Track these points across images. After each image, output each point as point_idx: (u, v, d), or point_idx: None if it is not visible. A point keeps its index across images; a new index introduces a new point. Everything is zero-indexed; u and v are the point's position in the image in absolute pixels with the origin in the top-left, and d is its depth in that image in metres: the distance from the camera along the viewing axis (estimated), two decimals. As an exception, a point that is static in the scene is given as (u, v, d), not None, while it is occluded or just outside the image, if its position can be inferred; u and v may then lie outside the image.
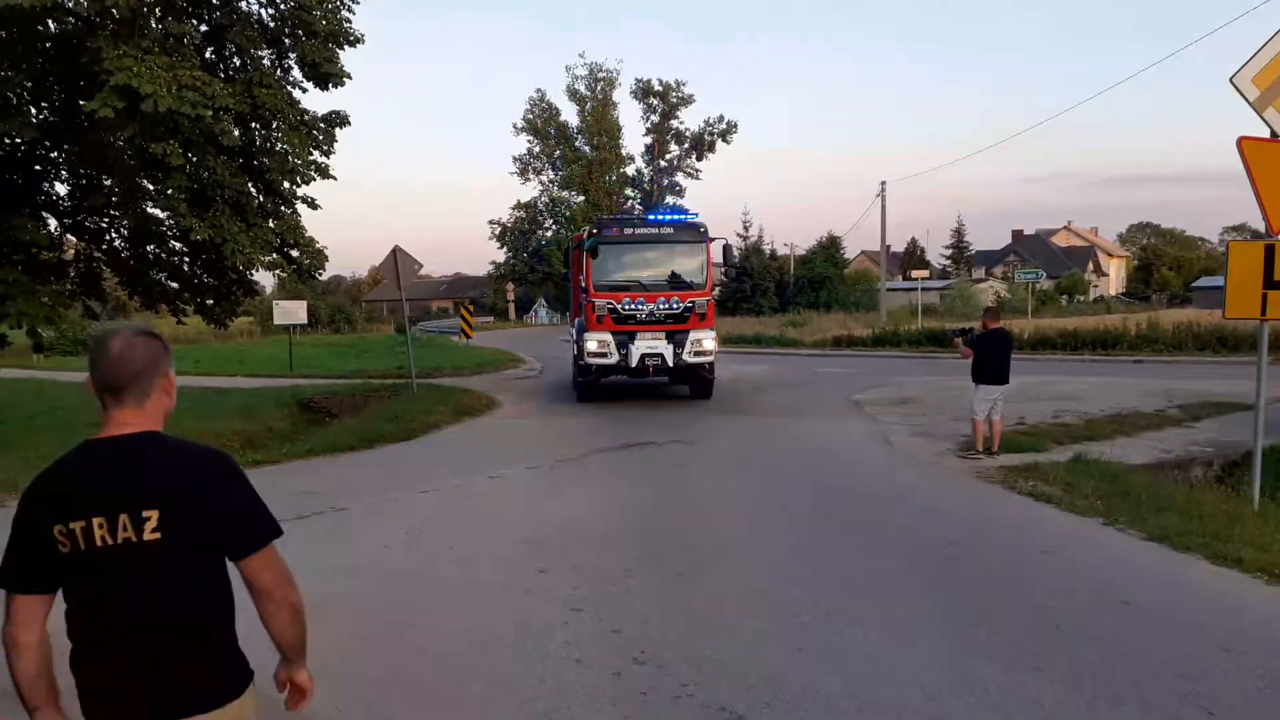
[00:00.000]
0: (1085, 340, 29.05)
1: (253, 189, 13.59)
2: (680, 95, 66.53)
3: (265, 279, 16.90)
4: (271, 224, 13.55)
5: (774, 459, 11.49)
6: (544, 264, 65.79)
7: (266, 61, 13.53)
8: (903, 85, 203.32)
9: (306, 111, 14.14)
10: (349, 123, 14.67)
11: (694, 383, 17.33)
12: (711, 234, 16.69)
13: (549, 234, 67.77)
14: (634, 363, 15.92)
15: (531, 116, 68.54)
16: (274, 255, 13.74)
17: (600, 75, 67.74)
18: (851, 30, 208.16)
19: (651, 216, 18.16)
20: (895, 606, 5.63)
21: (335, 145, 14.49)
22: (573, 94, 68.14)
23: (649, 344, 15.97)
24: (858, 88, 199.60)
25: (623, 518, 8.20)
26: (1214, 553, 6.53)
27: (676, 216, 17.43)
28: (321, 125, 14.36)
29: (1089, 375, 21.81)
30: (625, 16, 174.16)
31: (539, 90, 79.30)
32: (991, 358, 11.15)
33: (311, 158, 14.18)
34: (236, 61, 13.55)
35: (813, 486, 9.58)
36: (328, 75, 13.19)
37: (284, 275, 14.57)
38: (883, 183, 43.03)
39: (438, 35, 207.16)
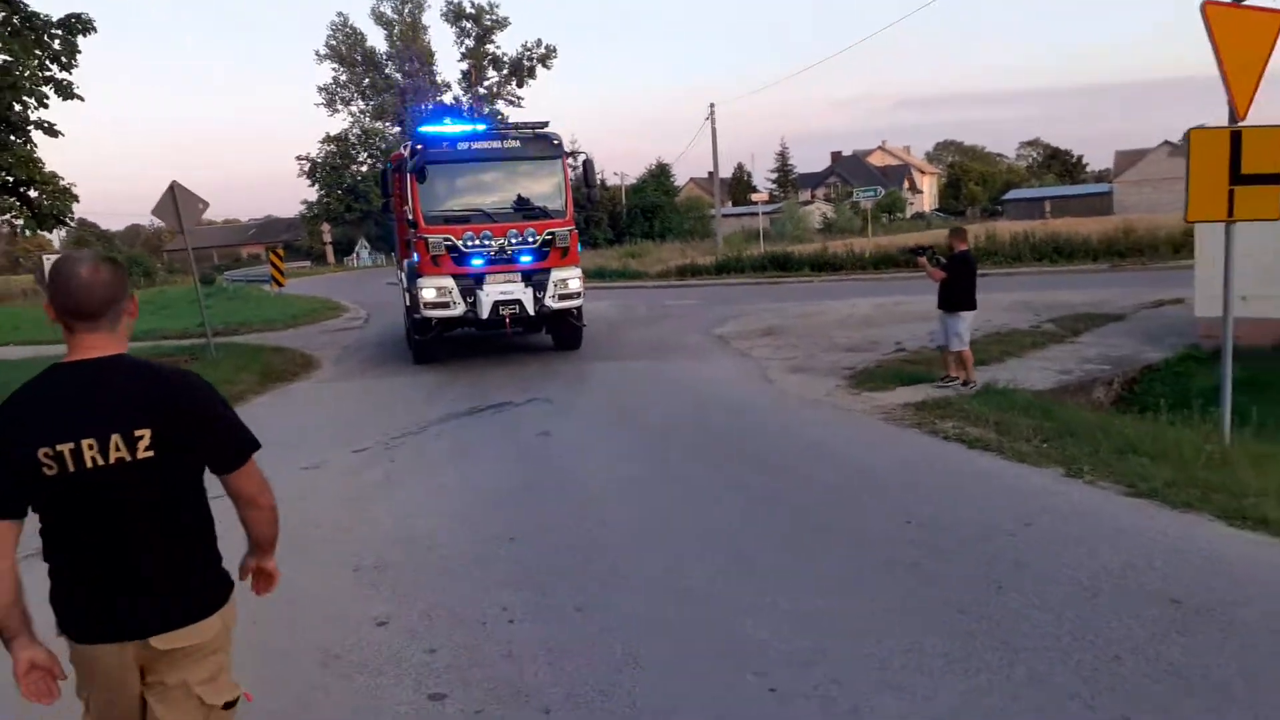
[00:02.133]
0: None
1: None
2: (495, 18, 63.14)
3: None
4: None
5: (654, 413, 9.82)
6: (361, 201, 61.82)
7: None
8: (720, 9, 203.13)
9: (33, 13, 11.02)
10: (93, 28, 11.57)
11: (560, 332, 14.69)
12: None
13: (364, 168, 63.44)
14: (485, 313, 13.09)
15: (335, 42, 63.60)
16: (2, 197, 10.69)
17: (407, -3, 63.26)
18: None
19: (491, 127, 14.59)
20: (904, 642, 4.09)
21: (77, 57, 11.45)
22: (378, 17, 63.71)
23: (502, 288, 13.24)
24: (675, 15, 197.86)
25: (484, 519, 6.29)
26: (1223, 510, 5.34)
27: (523, 126, 13.96)
28: (56, 32, 11.26)
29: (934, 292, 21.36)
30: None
31: (340, 14, 73.50)
32: (964, 281, 10.07)
33: (47, 72, 11.12)
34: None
35: (709, 449, 7.96)
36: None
37: (19, 222, 11.42)
38: (711, 105, 41.68)
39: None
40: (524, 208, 13.57)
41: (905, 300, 19.22)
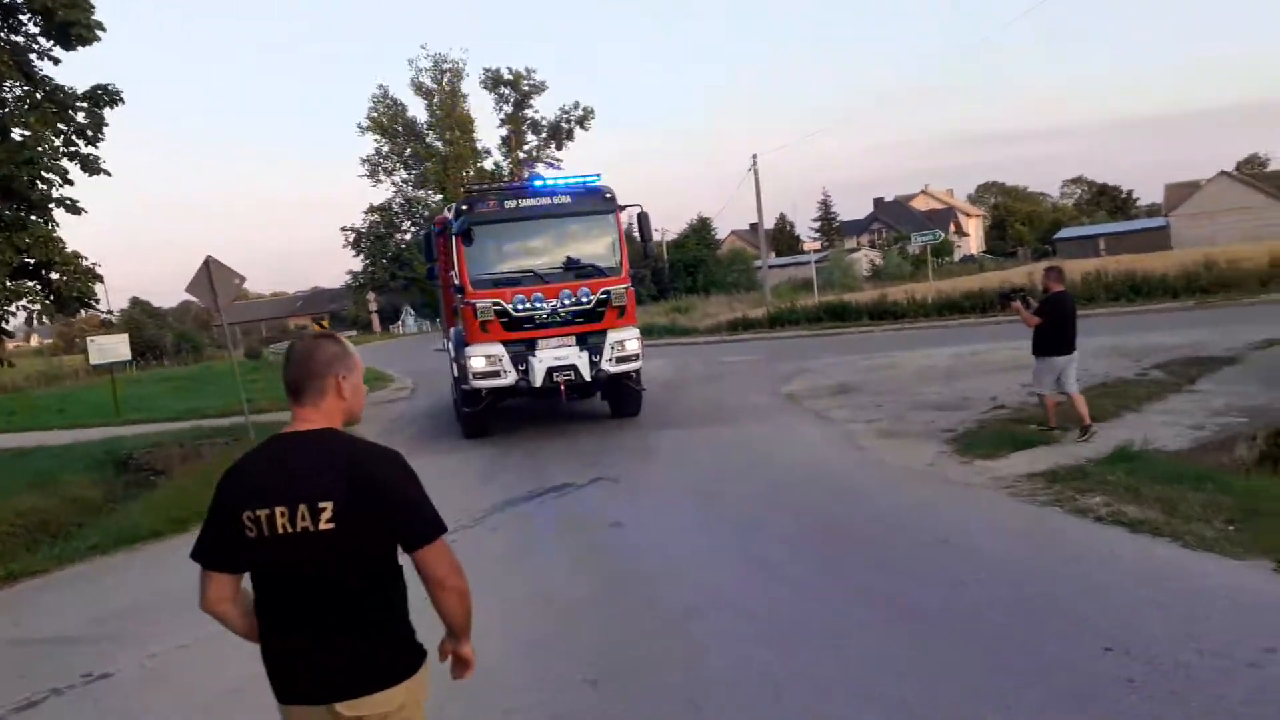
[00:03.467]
0: (991, 301, 27.49)
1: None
2: (532, 83, 63.54)
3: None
4: (14, 239, 9.60)
5: (735, 494, 8.65)
6: (405, 269, 61.93)
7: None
8: (755, 65, 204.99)
9: (56, 86, 10.40)
10: (120, 99, 10.93)
11: (618, 398, 13.62)
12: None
13: (408, 236, 63.73)
14: (539, 381, 12.07)
15: (377, 114, 64.32)
16: (19, 281, 9.93)
17: (446, 66, 64.05)
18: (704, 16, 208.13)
19: (539, 182, 13.67)
20: None
21: (104, 130, 10.80)
22: (418, 88, 64.31)
23: (556, 353, 12.22)
24: (710, 71, 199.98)
25: (556, 649, 5.14)
26: None
27: (574, 180, 12.99)
28: (81, 104, 10.63)
29: (1018, 339, 19.95)
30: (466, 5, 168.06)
31: (381, 86, 74.51)
32: (1061, 324, 9.49)
33: (72, 147, 10.48)
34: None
35: (813, 541, 6.78)
36: (68, 27, 9.41)
37: (35, 307, 10.66)
38: (754, 156, 40.72)
39: (265, 38, 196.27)
40: (576, 266, 12.62)
41: (982, 349, 17.94)
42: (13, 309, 9.81)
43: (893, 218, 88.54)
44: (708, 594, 5.78)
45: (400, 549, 2.41)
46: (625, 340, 12.63)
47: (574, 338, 12.42)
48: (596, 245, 12.92)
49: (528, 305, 12.20)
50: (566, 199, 12.60)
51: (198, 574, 2.46)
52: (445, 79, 64.63)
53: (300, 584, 2.35)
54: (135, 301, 77.58)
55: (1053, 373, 9.51)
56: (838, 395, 14.29)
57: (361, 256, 66.13)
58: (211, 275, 13.47)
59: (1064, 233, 78.42)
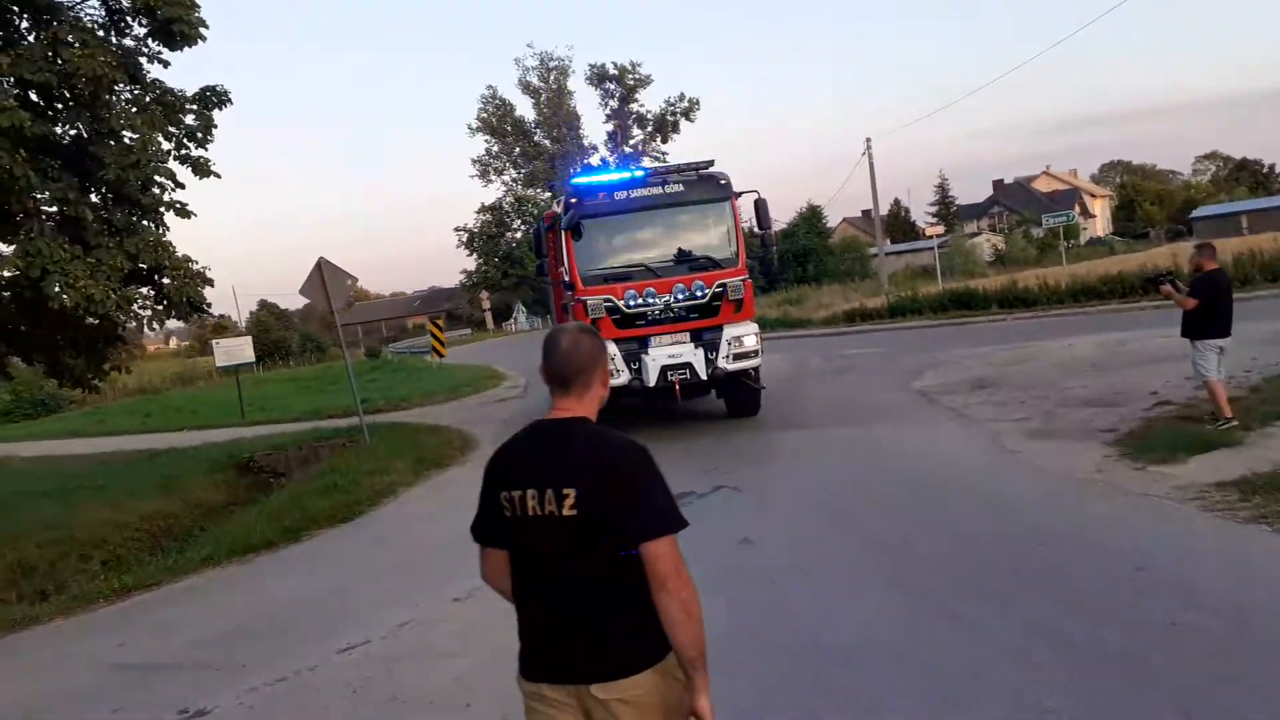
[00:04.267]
0: (1132, 285, 25.51)
1: (94, 198, 9.74)
2: (637, 76, 63.33)
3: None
4: (126, 244, 9.50)
5: (875, 506, 7.82)
6: (517, 267, 62.54)
7: (94, 16, 9.61)
8: (864, 46, 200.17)
9: (166, 89, 10.31)
10: (229, 100, 10.81)
11: (735, 397, 12.86)
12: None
13: (519, 235, 64.33)
14: (653, 380, 11.46)
15: (486, 115, 65.23)
16: (130, 286, 9.85)
17: (552, 64, 64.60)
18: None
19: (649, 170, 12.90)
20: None
21: (213, 132, 10.69)
22: (525, 87, 65.05)
23: (670, 351, 11.56)
24: (819, 55, 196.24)
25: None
26: None
27: (686, 168, 12.24)
28: (189, 106, 10.52)
29: (1167, 326, 18.20)
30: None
31: (490, 87, 75.36)
32: (1217, 305, 8.86)
33: (183, 150, 10.39)
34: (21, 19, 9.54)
35: (975, 568, 5.89)
36: (170, 24, 9.25)
37: (146, 313, 10.62)
38: (868, 140, 39.12)
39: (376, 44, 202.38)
40: (691, 259, 11.97)
41: (1128, 337, 16.43)
42: (122, 316, 9.76)
43: (1014, 200, 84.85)
44: (859, 634, 5.00)
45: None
46: (743, 336, 11.91)
47: (688, 334, 11.81)
48: (711, 235, 12.25)
49: (640, 301, 11.61)
50: (679, 187, 11.92)
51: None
52: (551, 77, 65.08)
53: (548, 565, 2.44)
54: (262, 304, 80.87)
55: (1214, 356, 8.83)
56: (976, 391, 13.19)
57: (475, 256, 67.29)
58: (324, 277, 13.34)
59: (1201, 210, 73.37)
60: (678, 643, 2.37)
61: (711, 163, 12.24)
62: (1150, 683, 4.05)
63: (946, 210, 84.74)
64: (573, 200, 11.84)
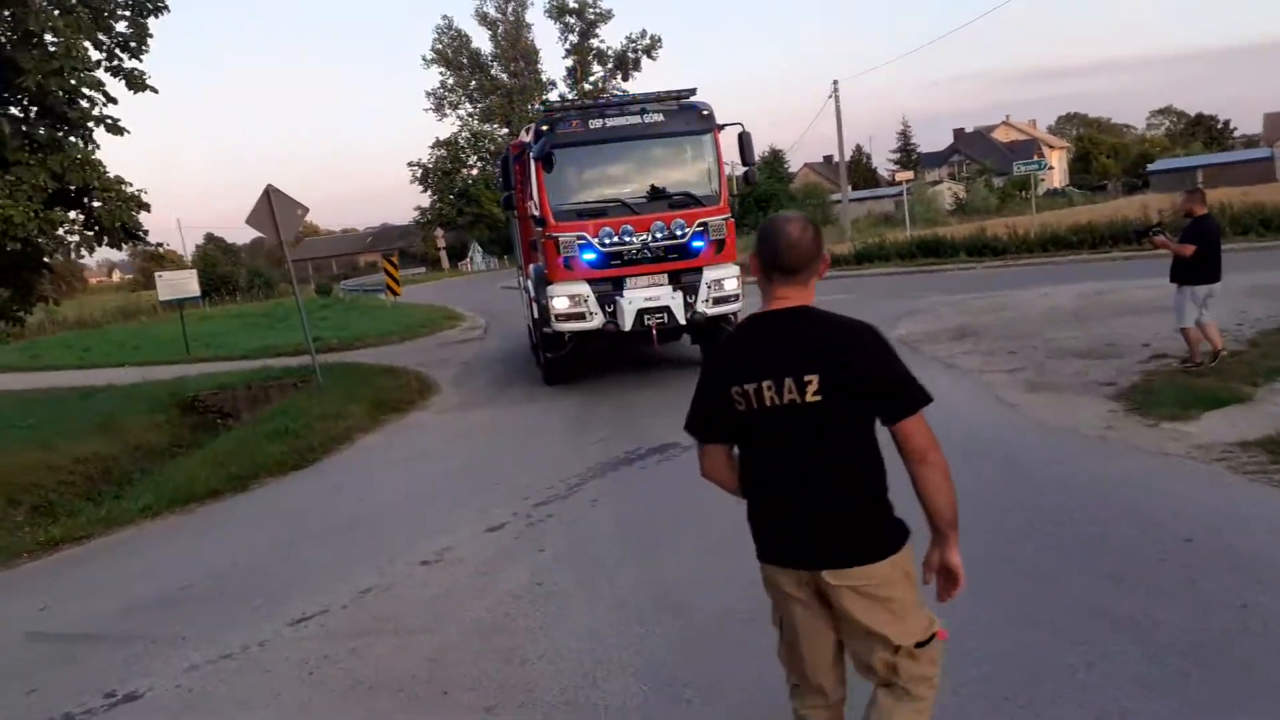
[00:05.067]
0: (1103, 235, 25.25)
1: (14, 110, 8.68)
2: (598, 12, 61.69)
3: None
4: (49, 161, 8.46)
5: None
6: (473, 205, 60.95)
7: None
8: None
9: (92, -11, 9.21)
10: (165, 8, 9.71)
11: (712, 343, 12.26)
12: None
13: (474, 172, 62.68)
14: (628, 324, 10.84)
15: (441, 46, 63.08)
16: (55, 209, 8.84)
17: (510, -6, 62.17)
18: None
19: (626, 95, 11.94)
20: None
21: (148, 42, 9.62)
22: (483, 18, 63.00)
23: (647, 294, 10.94)
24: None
25: (703, 688, 3.93)
26: None
27: (666, 96, 11.30)
28: (121, 12, 9.44)
29: (1145, 277, 17.93)
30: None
31: (446, 17, 73.00)
32: (1209, 250, 8.87)
33: (115, 61, 9.33)
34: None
35: (998, 530, 5.38)
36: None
37: (75, 238, 9.62)
38: (835, 83, 38.52)
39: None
40: (670, 195, 11.23)
41: (1104, 287, 16.13)
42: (47, 240, 8.79)
43: (974, 150, 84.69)
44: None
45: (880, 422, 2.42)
46: (723, 279, 11.29)
47: (666, 275, 11.14)
48: (692, 170, 11.51)
49: (615, 239, 10.89)
50: (659, 117, 11.07)
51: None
52: (510, 8, 63.06)
53: (788, 454, 2.44)
54: (209, 238, 78.24)
55: (1196, 303, 8.91)
56: (960, 340, 12.73)
57: (429, 192, 65.47)
58: (273, 206, 12.37)
59: (1158, 164, 73.71)
60: (936, 506, 2.43)
61: (694, 91, 11.43)
62: (1232, 677, 3.55)
63: (909, 157, 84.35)
64: (544, 127, 10.96)
